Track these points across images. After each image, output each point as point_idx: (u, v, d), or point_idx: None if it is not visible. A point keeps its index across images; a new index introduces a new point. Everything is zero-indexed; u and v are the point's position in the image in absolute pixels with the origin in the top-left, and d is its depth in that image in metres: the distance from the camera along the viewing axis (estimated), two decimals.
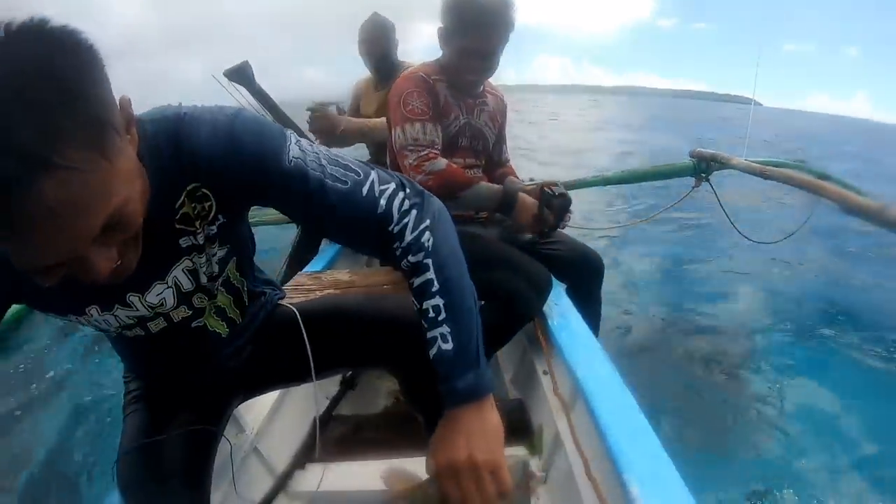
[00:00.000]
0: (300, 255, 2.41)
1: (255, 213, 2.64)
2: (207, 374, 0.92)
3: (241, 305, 0.91)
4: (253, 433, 1.29)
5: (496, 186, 1.66)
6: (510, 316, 1.50)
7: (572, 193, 1.73)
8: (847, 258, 4.13)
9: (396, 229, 0.73)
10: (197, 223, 0.72)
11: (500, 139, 1.93)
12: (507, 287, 1.47)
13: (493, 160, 1.93)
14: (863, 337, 2.81)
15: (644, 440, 0.98)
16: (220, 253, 0.79)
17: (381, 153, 1.97)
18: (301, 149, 0.71)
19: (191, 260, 0.75)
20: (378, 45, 2.35)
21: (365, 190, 0.72)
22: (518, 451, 1.35)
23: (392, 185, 0.75)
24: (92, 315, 0.75)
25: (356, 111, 2.55)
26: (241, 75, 2.06)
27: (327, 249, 2.40)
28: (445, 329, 0.71)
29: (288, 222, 2.70)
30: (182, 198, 0.69)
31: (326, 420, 1.62)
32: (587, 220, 4.40)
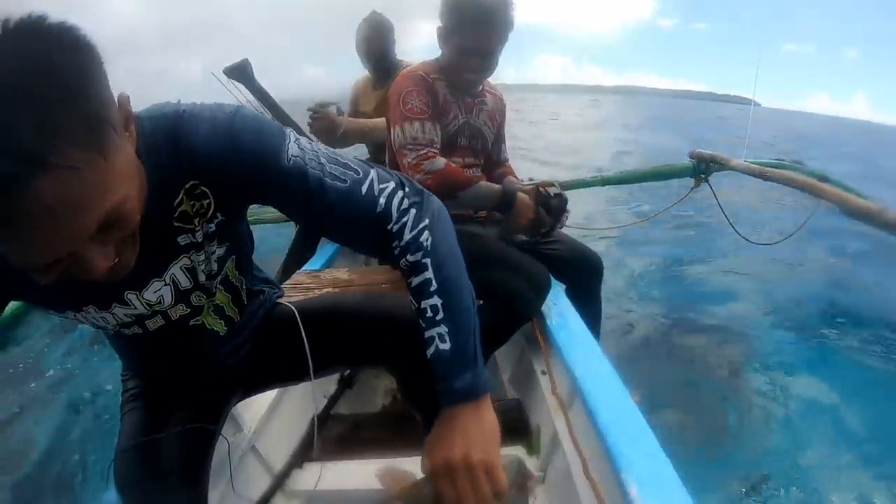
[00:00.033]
0: (298, 254, 2.40)
1: (254, 212, 2.64)
2: (205, 373, 0.92)
3: (240, 304, 0.91)
4: (251, 432, 1.29)
5: (495, 186, 1.66)
6: (509, 315, 1.50)
7: (572, 194, 1.73)
8: (846, 259, 4.13)
9: (395, 228, 0.73)
10: (195, 221, 0.71)
11: (499, 138, 1.92)
12: (505, 286, 1.47)
13: (491, 159, 1.93)
14: (862, 337, 2.81)
15: (642, 440, 0.99)
16: (219, 251, 0.78)
17: (381, 153, 1.97)
18: (300, 147, 0.70)
19: (189, 258, 0.75)
20: (376, 44, 2.34)
21: (364, 189, 0.72)
22: (515, 451, 1.35)
23: (391, 184, 0.74)
24: (89, 313, 0.74)
25: (355, 110, 2.55)
26: (240, 73, 2.05)
27: (326, 248, 2.40)
28: (443, 329, 0.71)
29: (286, 221, 2.69)
30: (180, 196, 0.68)
31: (324, 419, 1.62)
32: (587, 221, 4.40)
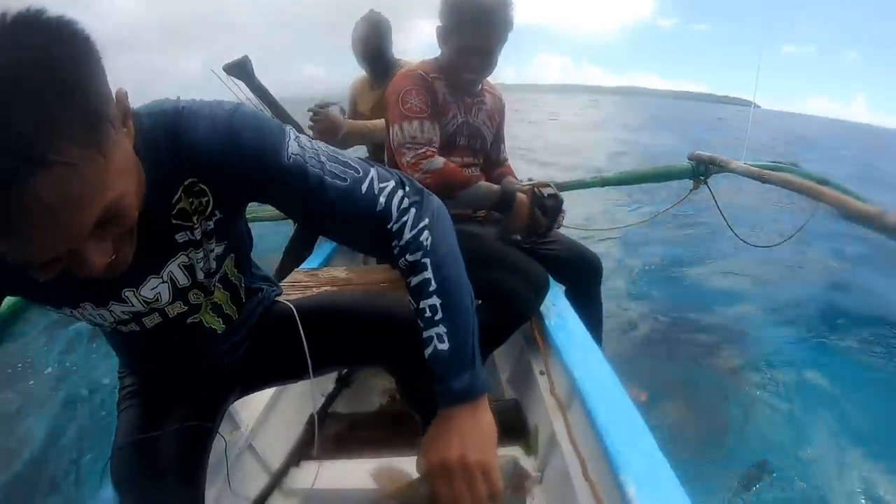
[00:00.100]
0: (296, 253, 2.40)
1: (253, 210, 2.63)
2: (203, 370, 0.92)
3: (238, 302, 0.91)
4: (248, 430, 1.29)
5: (494, 186, 1.66)
6: (507, 315, 1.49)
7: (571, 194, 1.73)
8: (845, 261, 4.13)
9: (395, 227, 0.73)
10: (194, 218, 0.71)
11: (498, 138, 1.92)
12: (504, 286, 1.47)
13: (490, 159, 1.93)
14: (862, 337, 2.82)
15: (641, 441, 0.98)
16: (218, 249, 0.78)
17: (380, 153, 1.97)
18: (300, 145, 0.70)
19: (187, 255, 0.74)
20: (373, 43, 2.34)
21: (364, 187, 0.72)
22: (513, 451, 1.35)
23: (391, 183, 0.74)
24: (86, 309, 0.74)
25: (353, 110, 2.55)
26: (240, 70, 2.05)
27: (324, 246, 2.39)
28: (442, 329, 0.71)
29: (285, 219, 2.69)
30: (179, 193, 0.68)
31: (322, 418, 1.62)
32: (587, 222, 4.41)
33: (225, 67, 2.02)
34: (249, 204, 0.82)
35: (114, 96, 0.53)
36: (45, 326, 3.00)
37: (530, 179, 1.88)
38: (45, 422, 2.23)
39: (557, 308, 1.59)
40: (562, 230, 1.88)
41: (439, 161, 1.53)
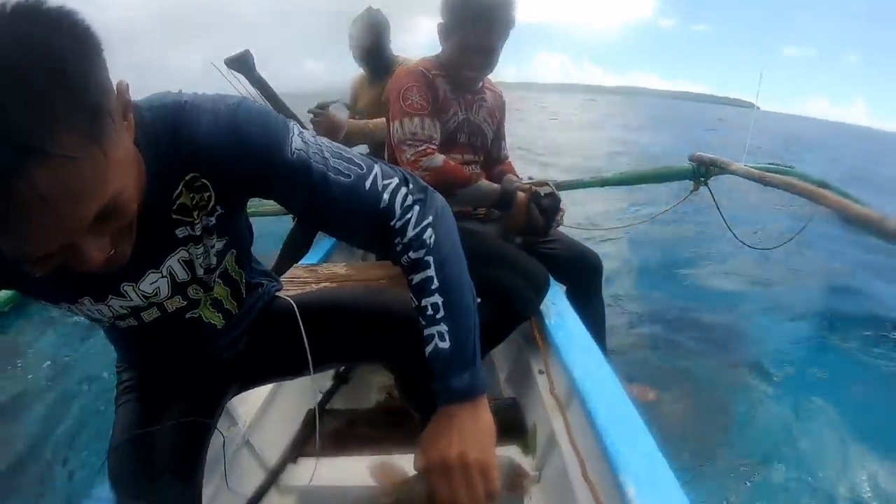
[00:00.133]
0: (294, 249, 2.39)
1: (253, 205, 2.62)
2: (202, 366, 0.91)
3: (239, 297, 0.90)
4: (245, 426, 1.28)
5: (494, 185, 1.66)
6: (507, 313, 1.49)
7: (571, 194, 1.73)
8: (845, 263, 4.15)
9: (398, 225, 0.73)
10: (195, 214, 0.70)
11: (499, 135, 1.93)
12: (504, 284, 1.47)
13: (491, 156, 1.93)
14: (862, 338, 2.84)
15: (640, 441, 0.99)
16: (219, 245, 0.78)
17: (380, 151, 1.96)
18: (304, 140, 0.69)
19: (187, 251, 0.74)
20: (369, 41, 2.33)
21: (368, 184, 0.71)
22: (511, 451, 1.34)
23: (395, 180, 0.74)
24: (84, 304, 0.73)
25: (353, 107, 2.54)
26: (241, 64, 2.03)
27: (323, 242, 2.39)
28: (443, 327, 0.71)
29: (285, 213, 2.68)
30: (180, 188, 0.67)
31: (320, 414, 1.61)
32: (588, 222, 4.41)
33: (226, 61, 2.01)
34: (250, 199, 0.81)
35: (114, 88, 0.53)
36: (42, 318, 2.99)
37: (530, 178, 1.88)
38: (42, 415, 2.22)
39: (557, 307, 1.59)
40: (562, 229, 1.89)
41: (439, 159, 1.53)
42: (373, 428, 1.55)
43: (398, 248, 0.74)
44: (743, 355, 2.62)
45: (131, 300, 0.74)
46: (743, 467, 1.80)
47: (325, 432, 1.53)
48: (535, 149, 10.57)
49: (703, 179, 2.86)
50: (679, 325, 2.92)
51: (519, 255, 1.58)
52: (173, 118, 0.64)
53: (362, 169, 0.72)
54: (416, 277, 0.73)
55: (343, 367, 1.78)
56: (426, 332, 0.72)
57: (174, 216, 0.69)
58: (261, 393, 1.37)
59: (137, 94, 0.62)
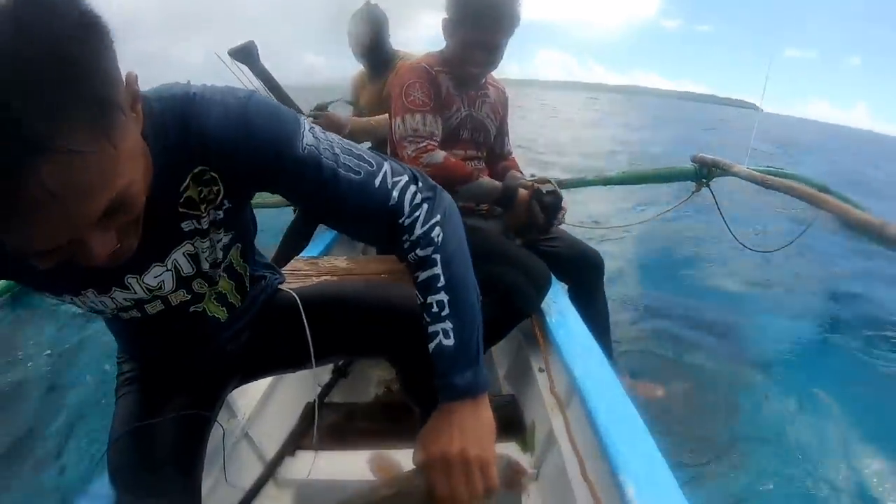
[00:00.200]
0: (295, 241, 2.39)
1: (257, 196, 2.60)
2: (205, 358, 0.91)
3: (243, 291, 0.90)
4: (244, 418, 1.28)
5: (496, 182, 1.66)
6: (508, 310, 1.49)
7: (574, 193, 1.73)
8: (845, 267, 4.16)
9: (407, 222, 0.73)
10: (202, 207, 0.70)
11: (502, 131, 1.93)
12: (505, 281, 1.47)
13: (494, 152, 1.93)
14: (864, 339, 2.87)
15: (640, 440, 0.99)
16: (225, 239, 0.77)
17: (382, 146, 1.96)
18: (315, 136, 0.69)
19: (192, 244, 0.73)
20: (368, 38, 2.31)
21: (378, 181, 0.71)
22: (509, 448, 1.35)
23: (405, 178, 0.74)
24: (88, 297, 0.73)
25: (355, 104, 2.54)
26: (245, 55, 2.03)
27: (324, 235, 2.38)
28: (448, 325, 0.71)
29: (288, 205, 2.68)
30: (187, 181, 0.67)
31: (318, 408, 1.62)
32: (589, 220, 4.41)
33: (230, 52, 2.00)
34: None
35: (123, 79, 0.51)
36: (41, 307, 2.98)
37: (532, 175, 1.87)
38: (40, 405, 2.21)
39: (558, 306, 1.58)
40: (563, 227, 1.89)
41: (440, 155, 1.53)
42: (371, 422, 1.56)
43: (405, 245, 0.74)
44: (744, 354, 2.63)
45: (135, 293, 0.74)
46: (744, 466, 1.81)
47: (324, 426, 1.53)
48: (535, 147, 10.55)
49: (704, 181, 2.86)
50: (681, 324, 2.93)
51: (520, 252, 1.58)
52: (182, 110, 0.63)
53: (372, 166, 0.72)
54: (423, 275, 0.73)
55: (342, 361, 1.78)
56: (430, 328, 0.72)
57: (181, 209, 0.69)
58: (260, 385, 1.37)
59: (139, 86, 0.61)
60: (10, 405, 2.24)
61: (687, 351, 2.64)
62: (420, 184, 0.75)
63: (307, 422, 1.45)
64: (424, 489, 0.70)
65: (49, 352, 2.63)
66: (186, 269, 0.75)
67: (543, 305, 1.56)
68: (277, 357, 1.00)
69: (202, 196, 0.69)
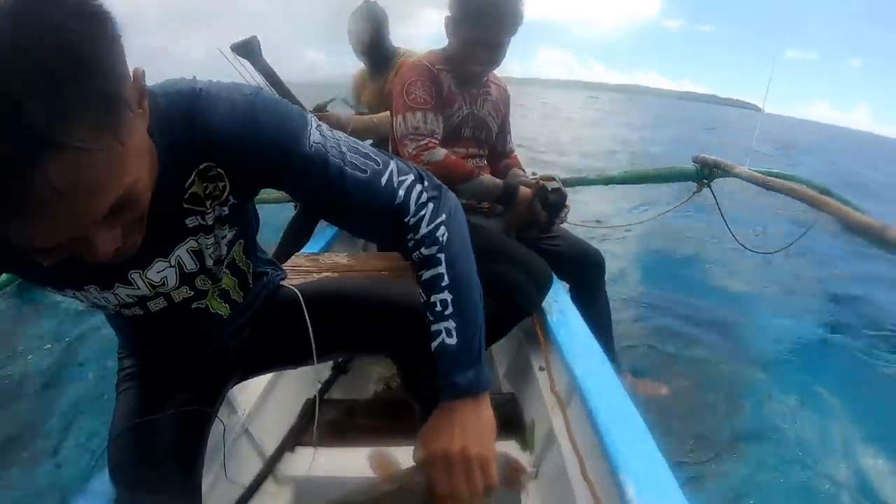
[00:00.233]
0: (295, 237, 2.39)
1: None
2: (206, 354, 0.91)
3: (245, 287, 0.89)
4: (245, 414, 1.28)
5: (497, 180, 1.66)
6: (509, 309, 1.49)
7: (575, 191, 1.73)
8: (845, 269, 4.17)
9: (412, 221, 0.73)
10: (207, 203, 0.70)
11: (504, 129, 1.93)
12: (506, 279, 1.47)
13: (496, 150, 1.93)
14: (865, 340, 2.88)
15: (640, 440, 0.99)
16: (229, 235, 0.77)
17: (384, 144, 1.96)
18: (322, 134, 0.69)
19: (196, 241, 0.73)
20: (368, 36, 2.31)
21: (384, 179, 0.71)
22: (508, 446, 1.35)
23: (411, 177, 0.74)
24: (90, 292, 0.73)
25: (357, 101, 2.54)
26: (247, 50, 2.02)
27: (325, 231, 2.39)
28: (451, 324, 0.71)
29: (289, 201, 2.67)
30: (192, 177, 0.66)
31: (318, 404, 1.62)
32: (589, 220, 4.42)
33: (232, 46, 2.00)
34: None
35: (131, 75, 0.51)
36: (42, 301, 2.97)
37: (534, 174, 1.87)
38: (42, 400, 2.21)
39: (559, 305, 1.58)
40: (564, 226, 1.89)
41: (441, 153, 1.54)
42: (371, 418, 1.56)
43: (410, 244, 0.74)
44: (745, 353, 2.65)
45: (138, 289, 0.74)
46: (744, 465, 1.81)
47: (323, 422, 1.53)
48: (536, 146, 10.55)
49: (706, 181, 2.86)
50: (681, 323, 2.94)
51: (522, 250, 1.58)
52: (188, 105, 0.62)
53: (378, 164, 0.72)
54: (427, 274, 0.73)
55: (342, 358, 1.78)
56: (433, 327, 0.72)
57: (185, 206, 0.68)
58: (260, 382, 1.37)
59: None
60: (9, 400, 2.23)
61: (688, 350, 2.65)
62: (426, 183, 0.75)
63: (307, 418, 1.45)
64: (425, 486, 0.70)
65: (49, 346, 2.62)
66: (189, 265, 0.75)
67: (544, 304, 1.56)
68: (279, 353, 1.00)
69: (207, 192, 0.69)
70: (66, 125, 0.42)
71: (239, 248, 0.82)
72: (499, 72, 1.79)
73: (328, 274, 1.53)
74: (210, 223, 0.72)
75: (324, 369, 1.76)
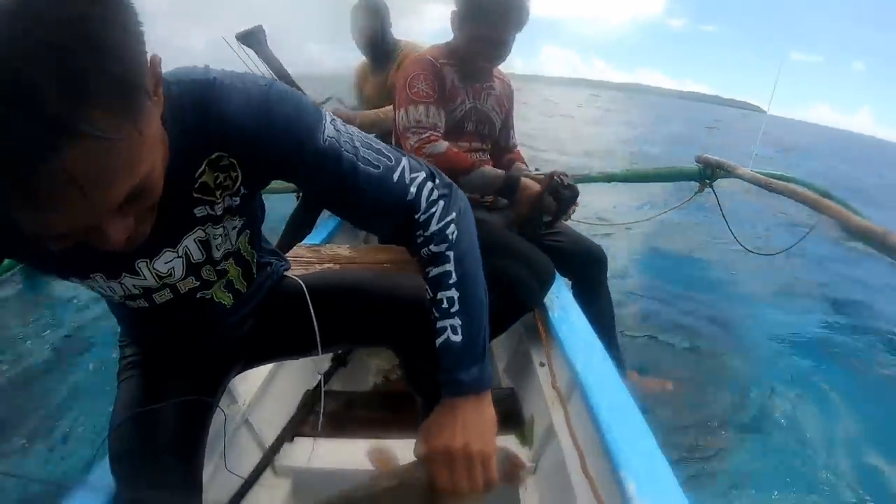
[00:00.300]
0: (297, 228, 2.39)
1: None
2: (209, 344, 0.91)
3: (249, 277, 0.89)
4: (245, 405, 1.28)
5: (498, 171, 1.66)
6: (511, 304, 1.49)
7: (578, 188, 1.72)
8: (845, 271, 4.18)
9: (423, 218, 0.73)
10: (217, 194, 0.69)
11: (507, 124, 1.92)
12: (509, 274, 1.46)
13: (499, 145, 1.92)
14: (867, 340, 2.90)
15: (640, 437, 0.99)
16: (238, 225, 0.77)
17: (387, 138, 1.96)
18: (336, 128, 0.69)
19: (204, 230, 0.73)
20: (370, 30, 2.31)
21: (396, 176, 0.71)
22: (507, 441, 1.35)
23: (422, 174, 0.74)
24: (97, 281, 0.72)
25: (359, 95, 2.54)
26: (252, 39, 2.02)
27: (327, 222, 2.38)
28: (457, 321, 0.71)
29: (292, 191, 2.67)
30: (203, 166, 0.66)
31: (318, 396, 1.62)
32: (592, 217, 4.42)
33: (238, 35, 1.99)
34: None
35: (148, 62, 0.50)
36: (45, 287, 2.97)
37: (537, 170, 1.87)
38: (42, 389, 2.20)
39: (561, 301, 1.58)
40: (567, 223, 1.88)
41: (442, 145, 1.54)
42: (369, 411, 1.56)
43: (419, 241, 0.74)
44: (745, 352, 2.66)
45: (145, 279, 0.73)
46: (745, 463, 1.82)
47: (323, 414, 1.53)
48: (537, 144, 10.54)
49: (708, 181, 2.87)
50: (682, 321, 2.95)
51: (525, 245, 1.58)
52: (202, 94, 0.62)
53: (391, 161, 0.72)
54: (434, 270, 0.73)
55: (342, 349, 1.78)
56: (439, 324, 0.72)
57: (195, 195, 0.68)
58: (261, 372, 1.37)
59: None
60: (8, 388, 2.23)
61: (688, 349, 2.66)
62: (437, 181, 0.75)
63: (306, 409, 1.45)
64: (425, 482, 0.70)
65: (49, 333, 2.62)
66: (196, 255, 0.75)
67: (546, 300, 1.56)
68: (281, 344, 0.99)
69: (218, 182, 0.68)
70: (86, 112, 0.41)
71: (244, 238, 0.82)
72: (502, 68, 1.79)
73: (330, 265, 1.53)
74: (219, 213, 0.71)
75: (323, 361, 1.76)
